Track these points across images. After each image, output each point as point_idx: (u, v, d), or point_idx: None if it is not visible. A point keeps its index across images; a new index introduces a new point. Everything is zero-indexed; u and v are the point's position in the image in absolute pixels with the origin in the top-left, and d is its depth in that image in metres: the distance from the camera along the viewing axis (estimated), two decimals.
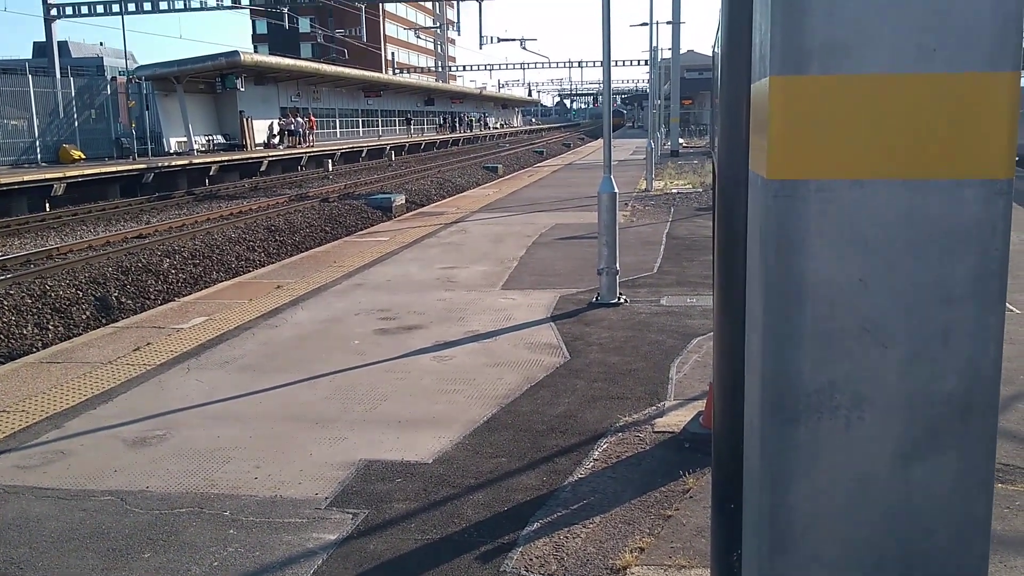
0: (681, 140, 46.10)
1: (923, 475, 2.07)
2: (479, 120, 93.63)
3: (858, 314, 2.02)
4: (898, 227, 1.98)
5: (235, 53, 38.76)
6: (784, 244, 2.04)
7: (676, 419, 5.59)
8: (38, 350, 10.05)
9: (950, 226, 1.96)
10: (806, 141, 1.98)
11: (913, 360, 2.02)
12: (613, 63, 10.61)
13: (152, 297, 13.71)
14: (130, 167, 29.39)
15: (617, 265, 9.14)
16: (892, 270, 2.00)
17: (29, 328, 11.49)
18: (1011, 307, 7.90)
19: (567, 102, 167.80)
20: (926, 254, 1.98)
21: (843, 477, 2.09)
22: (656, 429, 5.46)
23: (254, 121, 43.07)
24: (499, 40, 69.93)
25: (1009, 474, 4.58)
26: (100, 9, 43.41)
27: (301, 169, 40.50)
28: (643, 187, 22.85)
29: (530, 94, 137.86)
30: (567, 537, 4.13)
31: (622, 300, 9.13)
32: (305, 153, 42.24)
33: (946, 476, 2.06)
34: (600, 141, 40.11)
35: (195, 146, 38.50)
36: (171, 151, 37.08)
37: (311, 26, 66.91)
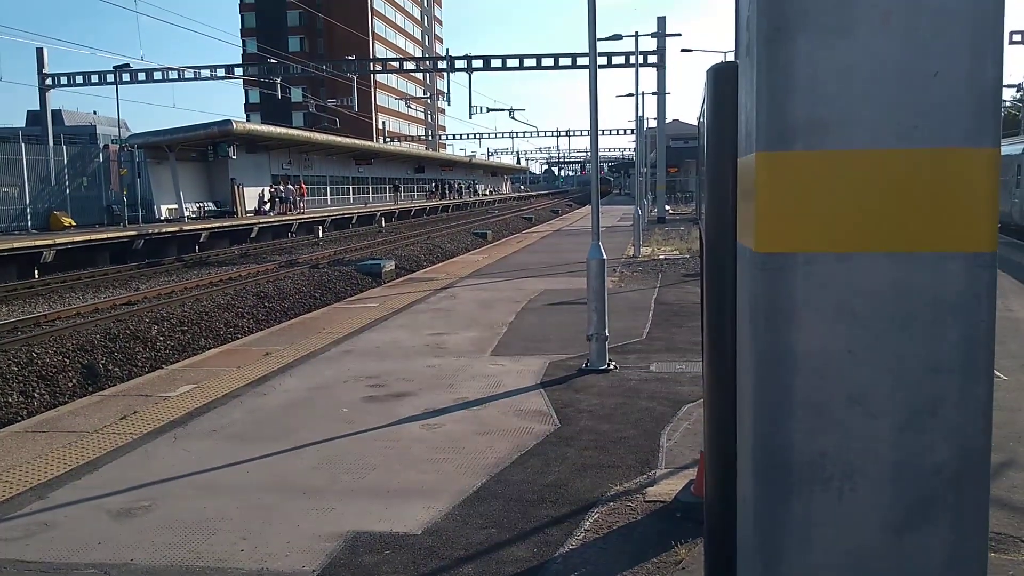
0: (668, 207, 46.72)
1: (916, 547, 2.06)
2: (468, 187, 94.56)
3: (847, 385, 2.04)
4: (885, 299, 2.01)
5: (227, 122, 39.26)
6: (773, 315, 2.06)
7: (668, 488, 5.55)
8: (23, 418, 9.94)
9: (936, 298, 1.99)
10: (792, 215, 2.02)
11: (903, 431, 2.03)
12: (600, 132, 10.78)
13: (140, 364, 13.62)
14: (120, 234, 29.48)
15: (606, 331, 9.16)
16: (880, 341, 2.02)
17: (14, 396, 11.37)
18: (999, 374, 7.93)
19: (555, 170, 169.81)
20: (913, 326, 2.00)
21: (836, 549, 2.08)
22: (647, 498, 5.41)
23: (245, 188, 43.41)
24: (488, 110, 71.11)
25: (1002, 543, 4.54)
26: (95, 79, 43.96)
27: (291, 235, 40.69)
28: (631, 253, 23.02)
29: (519, 162, 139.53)
30: None
31: (612, 366, 9.12)
32: (295, 220, 42.48)
33: (939, 547, 2.06)
34: (588, 208, 40.37)
35: (186, 213, 38.71)
36: (162, 218, 37.27)
37: (303, 96, 67.96)
